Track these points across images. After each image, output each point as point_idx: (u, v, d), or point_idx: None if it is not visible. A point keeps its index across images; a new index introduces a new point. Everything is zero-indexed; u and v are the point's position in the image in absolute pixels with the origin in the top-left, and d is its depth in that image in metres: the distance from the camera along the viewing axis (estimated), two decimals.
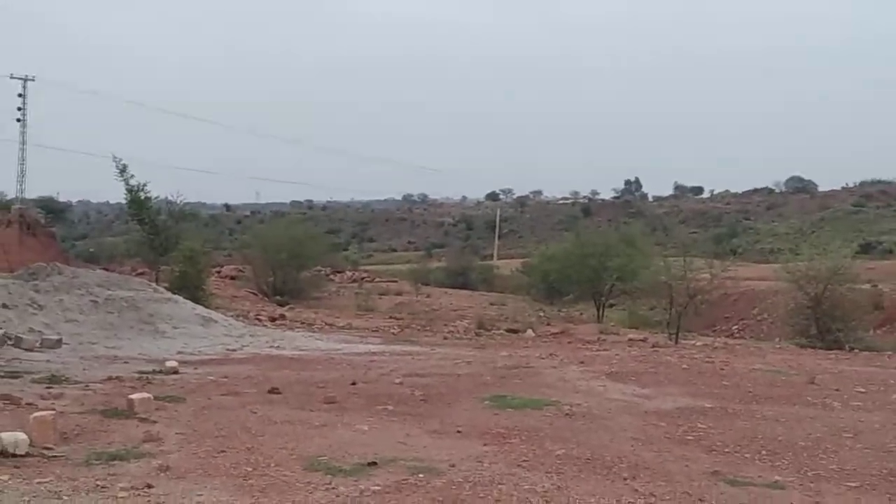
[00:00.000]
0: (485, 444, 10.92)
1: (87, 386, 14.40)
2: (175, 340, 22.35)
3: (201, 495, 8.35)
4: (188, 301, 27.49)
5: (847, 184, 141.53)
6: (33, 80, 73.13)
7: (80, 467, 9.26)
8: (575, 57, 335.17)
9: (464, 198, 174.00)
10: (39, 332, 20.29)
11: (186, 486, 8.62)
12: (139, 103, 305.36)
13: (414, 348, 22.69)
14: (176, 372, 16.30)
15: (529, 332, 31.34)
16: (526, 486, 8.99)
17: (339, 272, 62.05)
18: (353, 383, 15.23)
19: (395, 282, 57.06)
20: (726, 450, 11.14)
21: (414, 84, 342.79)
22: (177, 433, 11.03)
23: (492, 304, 46.67)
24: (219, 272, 49.63)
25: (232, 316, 29.27)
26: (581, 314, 41.60)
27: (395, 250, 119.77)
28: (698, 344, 27.12)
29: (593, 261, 42.65)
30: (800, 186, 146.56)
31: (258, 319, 30.81)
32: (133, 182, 37.68)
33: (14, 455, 9.33)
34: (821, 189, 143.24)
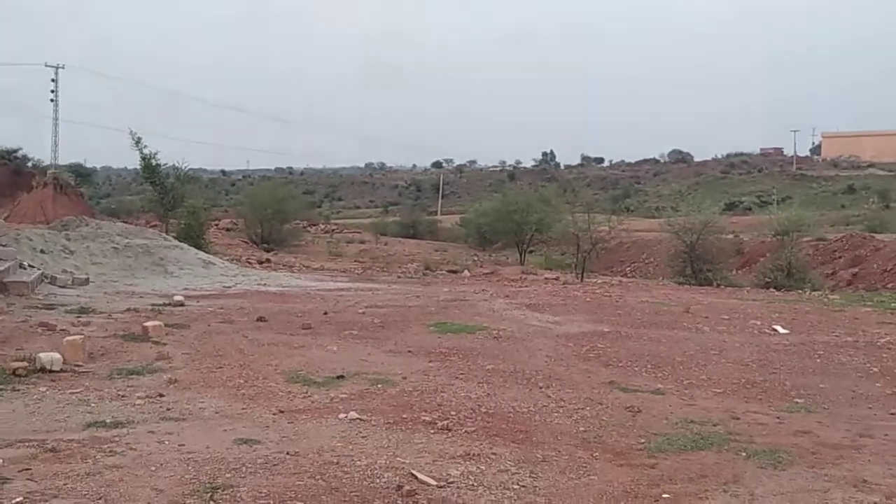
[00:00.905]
0: (430, 361, 10.97)
1: (109, 315, 14.23)
2: (181, 279, 22.13)
3: (203, 402, 8.33)
4: (192, 248, 27.21)
5: (716, 155, 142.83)
6: (63, 67, 72.02)
7: (105, 380, 9.20)
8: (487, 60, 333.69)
9: (414, 166, 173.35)
10: (70, 272, 19.99)
11: (191, 395, 8.60)
12: (150, 86, 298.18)
13: (374, 285, 22.65)
14: (182, 304, 16.15)
15: (466, 272, 31.42)
16: (462, 393, 9.05)
17: (314, 225, 61.54)
18: (325, 313, 15.20)
19: (359, 233, 56.77)
20: (620, 364, 11.27)
21: (376, 67, 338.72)
22: (183, 353, 10.97)
23: (436, 250, 46.65)
24: (217, 225, 49.07)
25: (227, 260, 29.03)
26: (507, 259, 41.69)
27: (359, 207, 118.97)
28: (599, 282, 27.31)
29: (517, 216, 42.73)
30: (679, 157, 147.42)
31: (248, 263, 30.58)
32: (146, 151, 37.30)
33: (51, 371, 9.27)
34: (696, 160, 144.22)
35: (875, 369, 11.20)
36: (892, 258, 30.32)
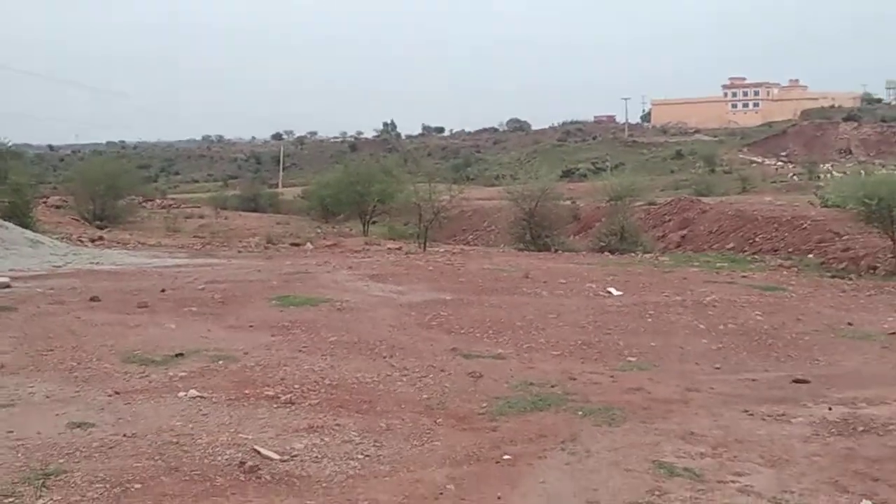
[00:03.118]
0: (272, 335, 10.86)
1: None
2: (6, 260, 20.96)
3: (32, 387, 7.99)
4: (17, 227, 25.87)
5: (553, 124, 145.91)
6: None
7: None
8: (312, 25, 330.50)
9: (253, 138, 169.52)
10: None
11: (19, 381, 8.23)
12: None
13: (214, 260, 22.13)
14: (8, 286, 15.30)
15: (309, 245, 31.08)
16: (306, 367, 9.02)
17: (150, 200, 59.46)
18: (163, 290, 14.73)
19: (198, 207, 55.21)
20: (462, 331, 11.46)
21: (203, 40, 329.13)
22: (10, 336, 10.46)
23: (278, 223, 45.89)
24: (45, 202, 46.75)
25: (57, 238, 27.73)
26: (350, 230, 41.48)
27: (197, 181, 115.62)
28: (441, 251, 27.57)
29: (359, 187, 42.46)
30: (517, 126, 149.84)
31: (80, 241, 29.28)
32: None
33: None
34: (534, 128, 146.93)
35: (702, 326, 11.81)
36: (717, 220, 31.83)
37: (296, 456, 6.12)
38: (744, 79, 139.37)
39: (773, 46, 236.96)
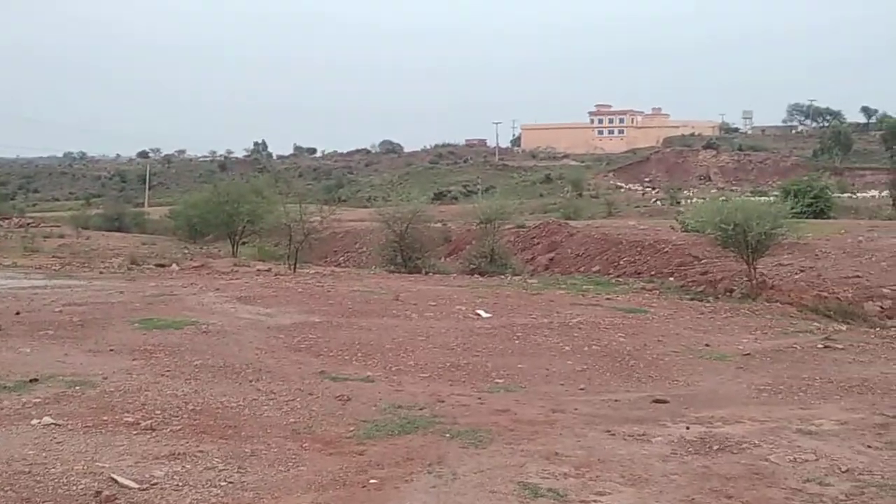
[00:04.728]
0: (134, 359, 10.54)
1: None
2: None
3: None
4: None
5: (425, 146, 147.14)
6: None
7: None
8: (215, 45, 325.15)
9: (118, 155, 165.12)
10: None
11: None
12: None
13: (73, 282, 21.31)
14: None
15: (175, 266, 30.29)
16: (168, 392, 8.79)
17: (6, 218, 57.04)
18: (18, 313, 14.09)
19: (59, 227, 53.27)
20: (331, 354, 11.38)
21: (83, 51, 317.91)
22: None
23: (144, 244, 44.65)
24: None
25: None
26: (219, 251, 40.66)
27: (57, 199, 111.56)
28: (312, 272, 27.30)
29: (228, 207, 41.74)
30: (390, 148, 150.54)
31: None
32: None
33: None
34: (406, 150, 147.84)
35: (567, 348, 12.05)
36: (584, 243, 32.53)
37: (155, 484, 5.95)
38: (609, 106, 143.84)
39: (638, 77, 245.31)
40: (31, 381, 9.04)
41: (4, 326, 12.64)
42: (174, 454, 6.65)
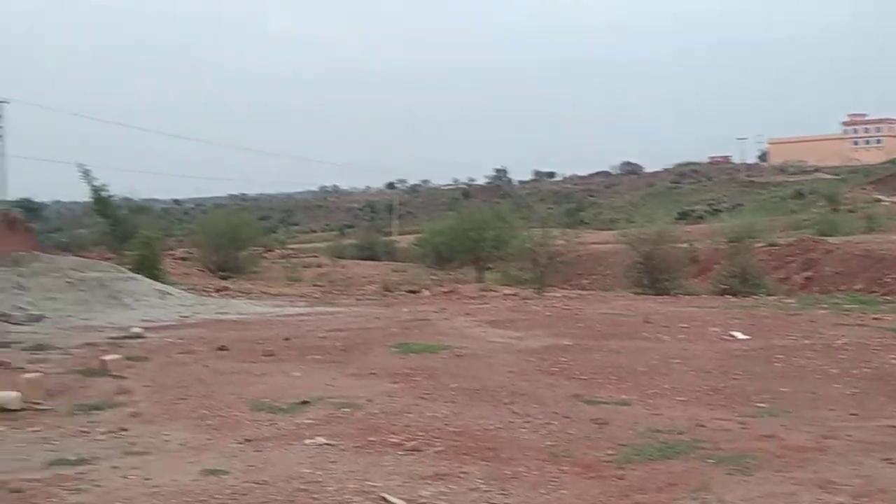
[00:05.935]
0: (394, 382, 10.94)
1: (66, 351, 13.99)
2: (137, 311, 21.78)
3: (168, 434, 8.23)
4: (147, 279, 26.87)
5: (666, 166, 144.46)
6: (8, 102, 70.56)
7: (65, 417, 9.05)
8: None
9: (367, 187, 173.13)
10: (24, 309, 19.65)
11: (155, 428, 8.50)
12: (98, 119, 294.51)
13: (334, 309, 22.54)
14: (140, 336, 15.93)
15: (425, 291, 31.34)
16: (429, 414, 9.04)
17: (270, 251, 61.00)
18: (287, 339, 15.07)
19: (316, 256, 56.47)
20: (583, 377, 11.33)
21: (327, 94, 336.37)
22: (144, 386, 10.83)
23: (394, 271, 46.59)
24: (172, 254, 48.47)
25: (184, 289, 28.67)
26: (465, 276, 41.68)
27: (314, 231, 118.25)
28: (558, 295, 27.41)
29: (473, 233, 42.71)
30: (630, 169, 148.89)
31: (205, 291, 30.23)
32: (95, 183, 37.24)
33: (9, 410, 9.08)
34: (646, 170, 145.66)
35: (834, 371, 11.37)
36: (844, 260, 30.85)
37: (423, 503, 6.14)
38: (864, 115, 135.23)
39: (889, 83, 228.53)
40: (302, 402, 9.60)
41: (276, 352, 13.53)
42: (439, 475, 6.83)
